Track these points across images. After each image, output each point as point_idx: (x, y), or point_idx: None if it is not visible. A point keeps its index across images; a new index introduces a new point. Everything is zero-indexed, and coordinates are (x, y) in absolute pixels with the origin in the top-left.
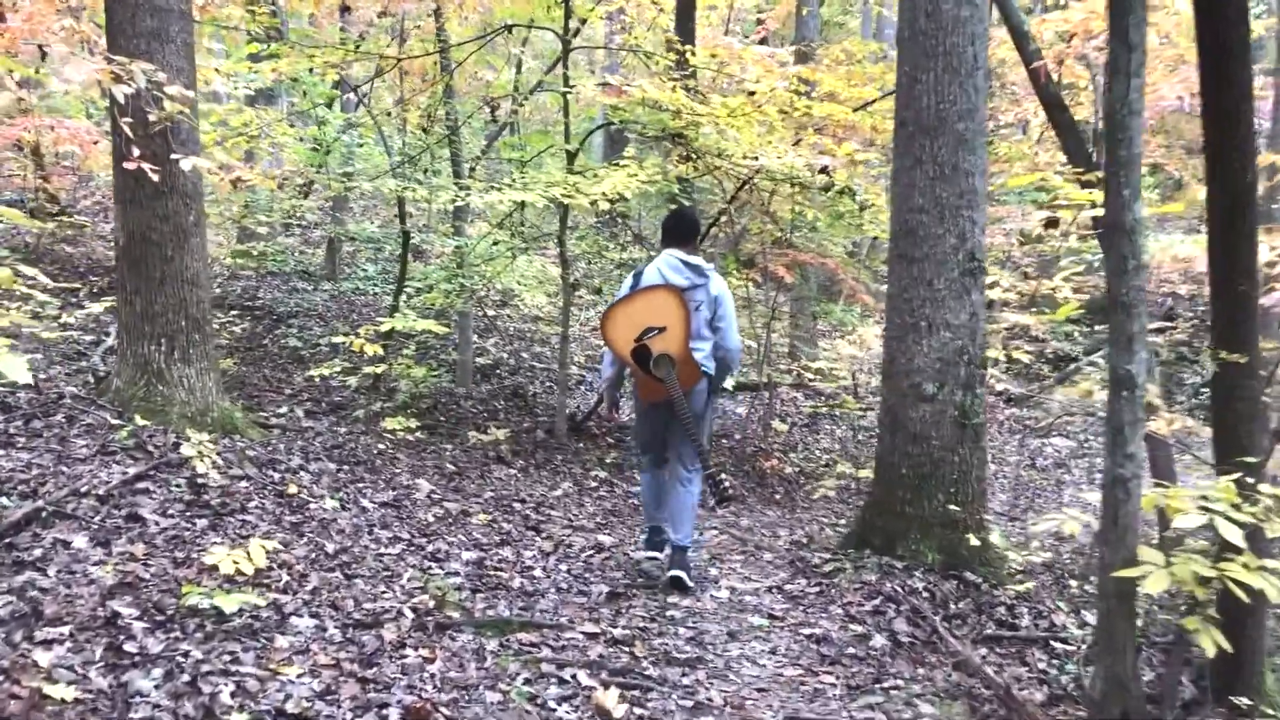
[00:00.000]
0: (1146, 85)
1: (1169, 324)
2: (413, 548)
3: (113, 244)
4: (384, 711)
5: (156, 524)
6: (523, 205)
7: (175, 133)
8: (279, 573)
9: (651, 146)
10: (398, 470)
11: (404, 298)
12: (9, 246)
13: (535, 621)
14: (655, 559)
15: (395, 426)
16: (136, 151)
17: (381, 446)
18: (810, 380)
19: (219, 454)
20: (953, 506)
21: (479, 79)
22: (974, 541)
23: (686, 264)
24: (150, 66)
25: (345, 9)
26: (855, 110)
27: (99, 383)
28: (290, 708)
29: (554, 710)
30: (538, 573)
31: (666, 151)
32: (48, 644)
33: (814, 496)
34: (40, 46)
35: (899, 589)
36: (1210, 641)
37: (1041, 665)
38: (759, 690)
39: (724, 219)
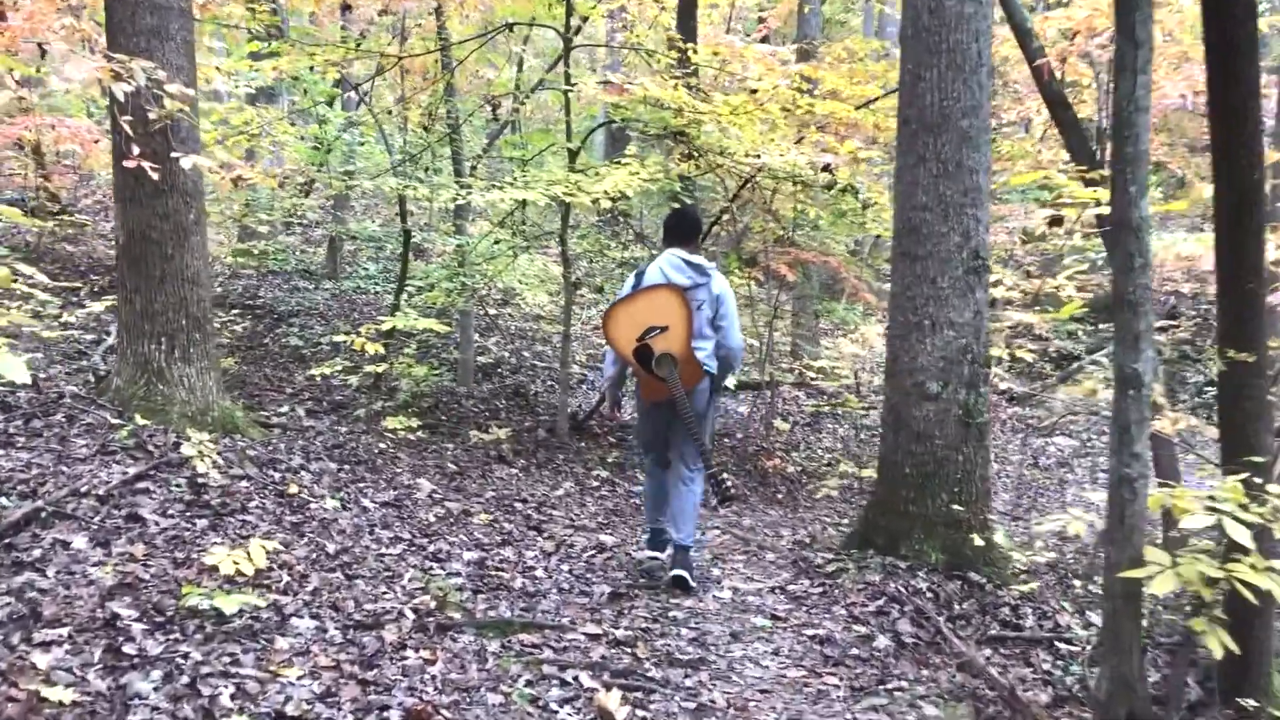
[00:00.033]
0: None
1: (1172, 322)
2: (414, 548)
3: (113, 243)
4: (385, 714)
5: (156, 524)
6: (524, 204)
7: (175, 131)
8: (279, 573)
9: (653, 145)
10: (399, 470)
11: (405, 296)
12: (9, 245)
13: (537, 622)
14: (657, 559)
15: (396, 426)
16: (137, 150)
17: (382, 446)
18: (812, 379)
19: (219, 453)
20: (956, 506)
21: (480, 77)
22: (978, 541)
23: (688, 263)
24: (150, 64)
25: (346, 7)
26: (858, 108)
27: (99, 382)
28: (290, 710)
29: (556, 712)
30: (539, 573)
31: (668, 150)
32: (46, 645)
33: (817, 496)
34: (40, 45)
35: (903, 589)
36: (1217, 643)
37: (1046, 666)
38: (762, 692)
39: (726, 217)
